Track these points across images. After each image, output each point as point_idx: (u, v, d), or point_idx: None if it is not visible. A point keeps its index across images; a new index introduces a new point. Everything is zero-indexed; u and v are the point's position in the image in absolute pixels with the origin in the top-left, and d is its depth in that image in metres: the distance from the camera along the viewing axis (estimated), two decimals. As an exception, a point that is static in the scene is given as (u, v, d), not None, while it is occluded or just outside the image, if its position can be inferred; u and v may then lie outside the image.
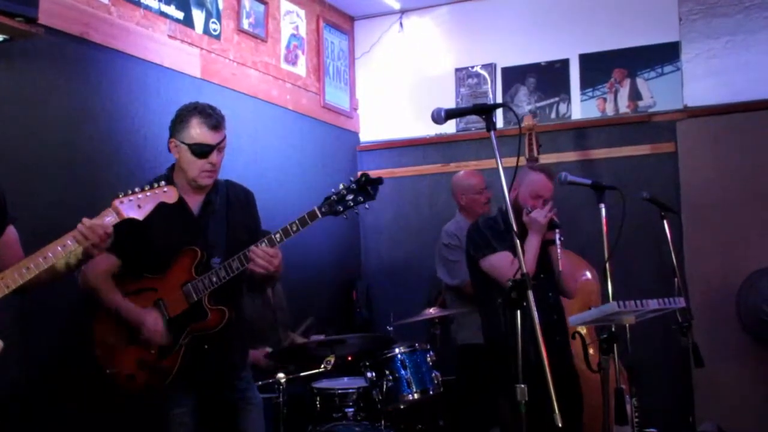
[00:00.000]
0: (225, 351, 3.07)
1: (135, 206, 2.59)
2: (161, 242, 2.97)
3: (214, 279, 2.92)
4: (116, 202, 2.58)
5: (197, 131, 2.95)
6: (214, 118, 2.98)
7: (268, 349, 4.18)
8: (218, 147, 2.99)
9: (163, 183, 2.69)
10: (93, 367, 2.99)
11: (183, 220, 3.02)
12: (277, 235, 2.90)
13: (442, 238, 4.84)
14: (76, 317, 3.23)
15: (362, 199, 2.91)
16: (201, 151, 2.96)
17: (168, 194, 2.67)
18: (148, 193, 2.62)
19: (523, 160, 5.03)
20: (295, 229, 2.89)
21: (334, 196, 2.91)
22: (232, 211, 3.13)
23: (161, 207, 2.92)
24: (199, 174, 2.99)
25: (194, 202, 3.06)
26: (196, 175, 2.99)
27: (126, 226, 2.70)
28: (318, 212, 2.90)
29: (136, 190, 2.62)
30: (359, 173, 2.96)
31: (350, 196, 2.90)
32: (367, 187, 2.91)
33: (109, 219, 2.55)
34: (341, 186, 2.92)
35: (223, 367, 3.08)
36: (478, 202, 4.81)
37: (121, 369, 2.93)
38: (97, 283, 2.96)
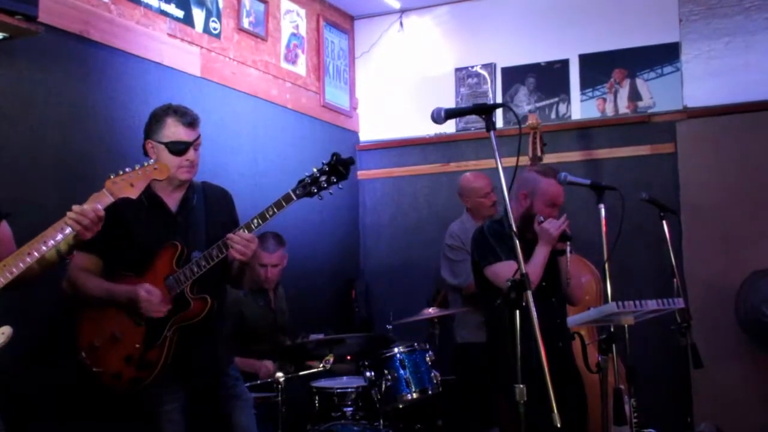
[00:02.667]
0: (209, 341, 3.08)
1: (128, 185, 2.63)
2: (141, 240, 2.99)
3: (195, 269, 2.94)
4: (109, 183, 2.61)
5: (173, 130, 3.00)
6: (189, 116, 3.04)
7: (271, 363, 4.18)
8: (194, 144, 3.04)
9: (152, 161, 2.73)
10: (81, 368, 2.99)
11: (162, 217, 3.05)
12: (255, 221, 2.94)
13: (446, 238, 4.85)
14: (62, 317, 3.22)
15: (335, 180, 2.96)
16: (178, 148, 3.00)
17: (159, 171, 2.70)
18: (139, 172, 2.66)
19: (524, 160, 5.02)
20: (271, 213, 2.94)
21: (308, 179, 2.96)
22: (210, 209, 3.16)
23: (139, 206, 2.95)
24: (178, 170, 3.01)
25: (172, 201, 3.09)
26: (174, 172, 3.00)
27: (106, 226, 2.72)
28: (293, 195, 2.95)
29: (127, 170, 2.65)
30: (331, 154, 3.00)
31: (323, 177, 2.95)
32: (338, 167, 2.95)
33: (102, 202, 2.57)
34: (314, 169, 2.97)
35: (209, 358, 3.09)
36: (484, 206, 4.81)
37: (107, 368, 2.93)
38: (82, 279, 2.98)
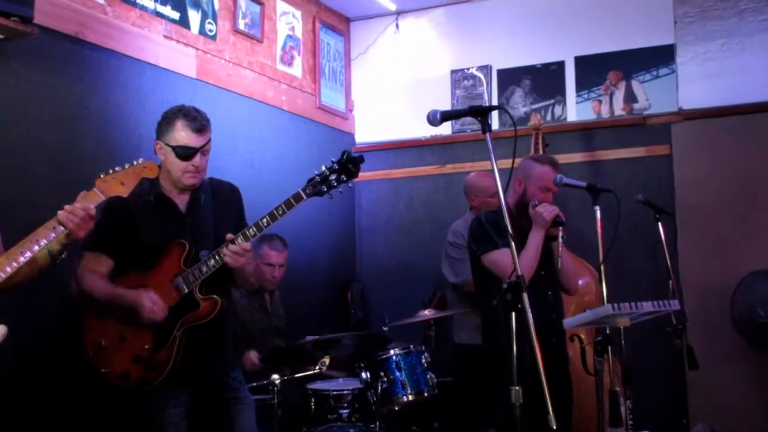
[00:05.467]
0: (218, 342, 3.09)
1: (118, 183, 2.63)
2: (150, 239, 3.00)
3: (204, 269, 2.94)
4: (99, 182, 2.61)
5: (181, 134, 2.97)
6: (198, 122, 2.99)
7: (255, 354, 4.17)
8: (202, 150, 3.01)
9: (141, 159, 2.72)
10: (82, 370, 2.99)
11: (171, 217, 3.05)
12: (264, 220, 2.93)
13: (449, 236, 4.84)
14: (65, 316, 3.22)
15: (345, 178, 2.95)
16: (184, 153, 2.98)
17: (149, 169, 2.70)
18: (129, 171, 2.66)
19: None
20: (281, 212, 2.93)
21: (318, 177, 2.95)
22: (218, 207, 3.16)
23: (149, 206, 2.98)
24: (183, 175, 3.00)
25: (181, 201, 3.09)
26: (179, 176, 3.01)
27: (115, 225, 2.70)
28: (303, 194, 2.94)
29: (117, 168, 2.65)
30: (341, 152, 3.00)
31: (333, 176, 2.94)
32: (348, 166, 2.95)
33: (93, 201, 2.57)
34: (323, 167, 2.96)
35: (217, 359, 3.09)
36: (491, 205, 4.81)
37: (115, 368, 2.93)
38: (88, 281, 2.97)
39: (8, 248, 2.57)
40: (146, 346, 2.92)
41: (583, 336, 3.87)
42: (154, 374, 2.92)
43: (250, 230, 2.95)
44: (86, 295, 2.98)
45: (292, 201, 2.93)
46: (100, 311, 2.98)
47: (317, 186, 2.94)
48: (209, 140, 3.04)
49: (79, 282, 2.99)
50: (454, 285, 4.76)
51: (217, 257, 2.93)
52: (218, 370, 3.11)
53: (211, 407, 3.11)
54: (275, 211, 2.93)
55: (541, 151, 5.13)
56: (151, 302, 2.88)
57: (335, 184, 2.94)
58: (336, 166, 2.94)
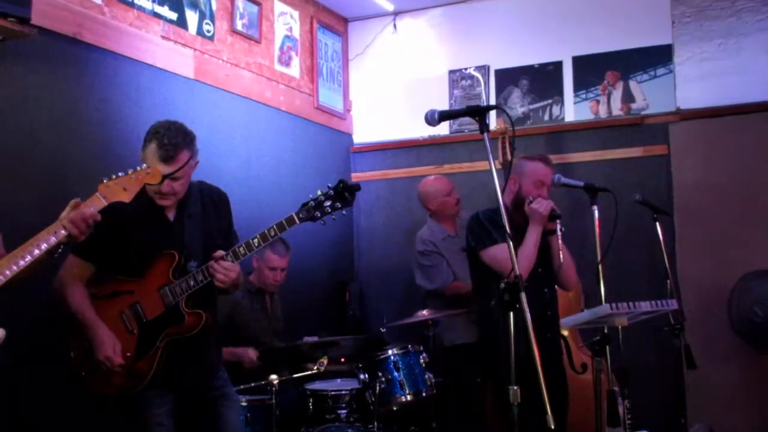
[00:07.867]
0: (201, 351, 3.08)
1: (121, 189, 2.62)
2: (138, 247, 2.98)
3: (192, 282, 2.94)
4: (102, 187, 2.60)
5: (151, 158, 2.88)
6: (166, 151, 2.86)
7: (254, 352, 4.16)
8: (171, 176, 2.89)
9: (145, 165, 2.69)
10: (68, 369, 2.99)
11: (160, 225, 3.02)
12: (255, 241, 2.94)
13: (417, 245, 4.88)
14: (52, 319, 3.20)
15: (339, 206, 2.96)
16: None
17: (152, 175, 2.68)
18: (132, 176, 2.64)
19: (498, 164, 5.03)
20: (272, 234, 2.94)
21: (312, 202, 2.95)
22: (207, 215, 3.14)
23: (138, 214, 2.93)
24: (153, 195, 2.95)
25: (170, 209, 3.06)
26: (152, 195, 2.95)
27: (104, 230, 2.70)
28: (296, 218, 2.94)
29: (120, 174, 2.63)
30: (338, 179, 3.01)
31: (328, 202, 2.94)
32: (344, 194, 2.96)
33: (95, 206, 2.56)
34: (319, 192, 2.96)
35: (200, 368, 3.09)
36: (449, 204, 4.87)
37: (97, 373, 2.93)
38: (69, 290, 2.96)
39: (6, 248, 2.57)
40: (128, 354, 2.92)
41: (567, 335, 3.88)
42: (134, 382, 2.93)
43: (241, 249, 2.95)
44: (62, 302, 2.97)
45: (285, 224, 2.94)
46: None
47: (311, 211, 2.94)
48: (184, 164, 2.90)
49: (60, 286, 2.98)
50: (431, 292, 4.76)
51: (206, 272, 2.93)
52: (200, 377, 3.10)
53: (196, 406, 3.11)
54: (267, 233, 2.94)
55: (509, 155, 5.12)
56: (113, 351, 2.87)
57: (329, 210, 2.95)
58: (331, 193, 2.95)
